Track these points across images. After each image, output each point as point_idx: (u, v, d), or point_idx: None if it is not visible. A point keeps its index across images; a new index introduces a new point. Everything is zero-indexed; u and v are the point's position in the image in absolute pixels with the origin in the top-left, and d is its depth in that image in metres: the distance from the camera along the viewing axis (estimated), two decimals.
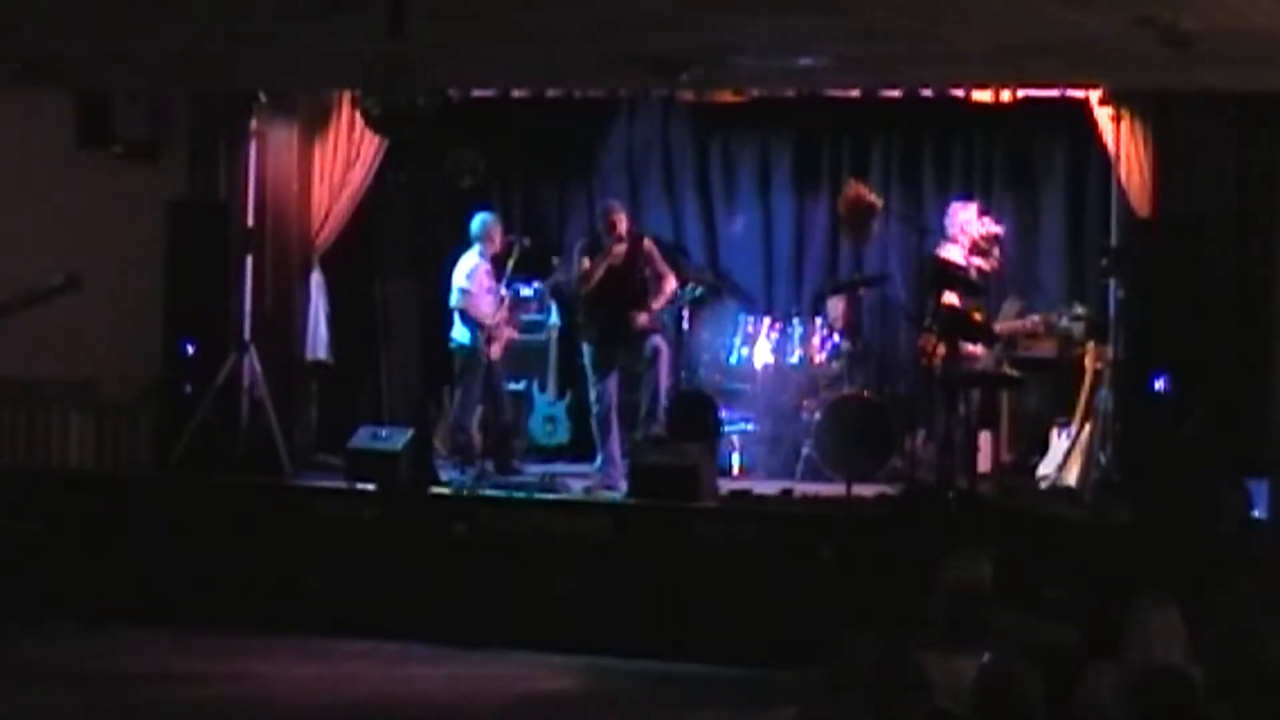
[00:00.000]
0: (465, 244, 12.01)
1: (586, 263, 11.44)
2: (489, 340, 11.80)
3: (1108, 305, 11.20)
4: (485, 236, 11.95)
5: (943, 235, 11.41)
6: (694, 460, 10.71)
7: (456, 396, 12.15)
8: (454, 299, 11.87)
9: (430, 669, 9.90)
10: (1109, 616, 6.20)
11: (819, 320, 12.18)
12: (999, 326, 11.22)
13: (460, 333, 11.93)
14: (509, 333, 12.14)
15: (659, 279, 11.60)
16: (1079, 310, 11.37)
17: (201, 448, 11.41)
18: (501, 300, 11.95)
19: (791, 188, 13.03)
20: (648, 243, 11.63)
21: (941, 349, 10.73)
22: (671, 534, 10.42)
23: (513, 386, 12.66)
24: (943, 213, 11.85)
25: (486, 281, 11.92)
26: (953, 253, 11.28)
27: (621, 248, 11.39)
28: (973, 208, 11.55)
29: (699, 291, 12.48)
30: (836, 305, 12.19)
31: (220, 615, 10.50)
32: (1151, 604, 5.96)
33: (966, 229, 11.37)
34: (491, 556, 10.54)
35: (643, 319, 11.44)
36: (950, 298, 10.97)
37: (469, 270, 11.87)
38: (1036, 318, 11.36)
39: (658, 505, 10.54)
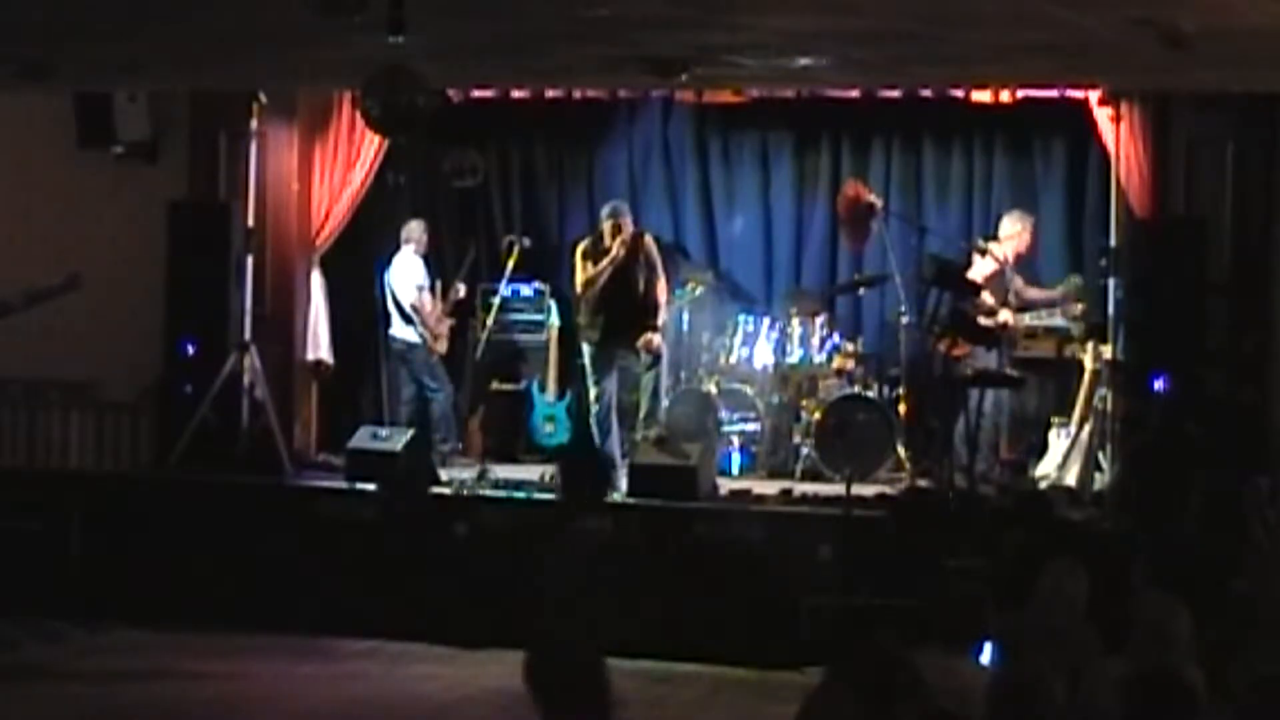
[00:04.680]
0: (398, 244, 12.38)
1: (589, 267, 11.41)
2: (435, 337, 12.27)
3: (1107, 305, 11.19)
4: (417, 238, 12.37)
5: (979, 247, 11.44)
6: (694, 460, 10.71)
7: (410, 392, 12.35)
8: (411, 296, 12.20)
9: (430, 669, 9.91)
10: (1113, 616, 6.20)
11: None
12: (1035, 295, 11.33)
13: (406, 331, 12.23)
14: (447, 324, 12.48)
15: (655, 280, 11.55)
16: (1075, 280, 11.39)
17: (201, 448, 11.43)
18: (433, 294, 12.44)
19: (791, 188, 13.02)
20: (648, 239, 11.59)
21: (954, 349, 10.77)
22: (671, 534, 10.42)
23: (512, 386, 12.68)
24: (942, 212, 11.74)
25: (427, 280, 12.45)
26: (984, 266, 11.28)
27: (623, 250, 11.36)
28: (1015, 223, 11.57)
29: (699, 291, 12.48)
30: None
31: (220, 615, 10.51)
32: (1157, 604, 5.97)
33: (1018, 246, 11.43)
34: (491, 556, 10.55)
35: (655, 341, 11.41)
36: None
37: (419, 268, 12.27)
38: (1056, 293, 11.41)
39: (657, 505, 10.55)
